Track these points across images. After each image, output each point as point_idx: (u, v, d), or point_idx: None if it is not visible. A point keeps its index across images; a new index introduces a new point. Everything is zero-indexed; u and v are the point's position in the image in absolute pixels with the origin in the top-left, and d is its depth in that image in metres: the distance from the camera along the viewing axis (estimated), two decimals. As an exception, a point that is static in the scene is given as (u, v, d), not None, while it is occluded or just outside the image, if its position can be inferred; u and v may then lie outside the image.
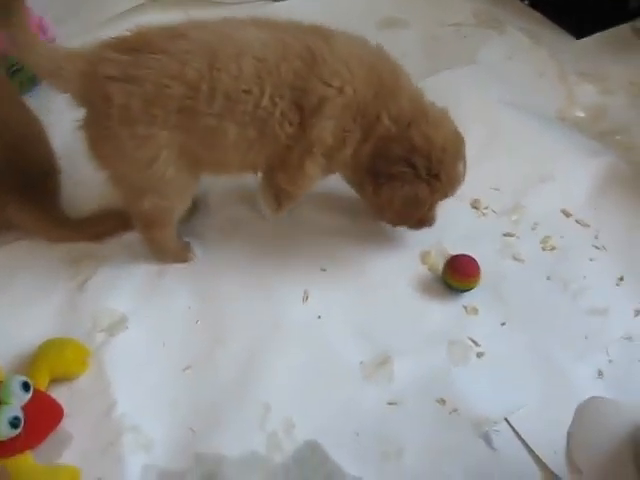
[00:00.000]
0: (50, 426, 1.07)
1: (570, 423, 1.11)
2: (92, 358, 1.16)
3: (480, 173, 1.35)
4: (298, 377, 1.15)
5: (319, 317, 1.22)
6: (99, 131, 1.07)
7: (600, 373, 1.18)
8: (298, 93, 1.08)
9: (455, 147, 1.21)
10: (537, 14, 1.91)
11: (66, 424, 1.09)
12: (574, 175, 1.47)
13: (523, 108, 1.59)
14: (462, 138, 1.23)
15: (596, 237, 1.38)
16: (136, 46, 1.03)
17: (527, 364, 1.18)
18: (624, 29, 1.89)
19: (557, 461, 1.07)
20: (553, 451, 1.08)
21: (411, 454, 1.07)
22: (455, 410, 1.12)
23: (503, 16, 1.88)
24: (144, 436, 1.08)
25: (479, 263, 1.25)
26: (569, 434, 1.09)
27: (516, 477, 1.06)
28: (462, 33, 1.81)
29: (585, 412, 1.11)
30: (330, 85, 1.09)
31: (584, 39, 1.85)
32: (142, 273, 1.27)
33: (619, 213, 1.42)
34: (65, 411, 1.09)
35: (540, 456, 1.07)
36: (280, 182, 1.20)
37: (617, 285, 1.30)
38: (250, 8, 1.83)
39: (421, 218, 1.26)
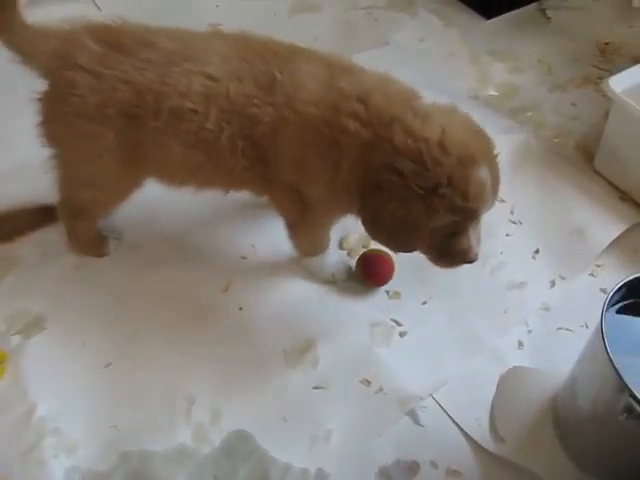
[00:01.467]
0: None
1: (493, 394, 1.13)
2: (8, 362, 1.12)
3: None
4: (222, 368, 1.14)
5: (240, 308, 1.21)
6: (55, 111, 1.06)
7: (520, 344, 1.22)
8: (247, 121, 1.03)
9: (464, 147, 0.95)
10: (447, -4, 1.93)
11: (-17, 431, 1.05)
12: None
13: (435, 89, 1.60)
14: (483, 136, 1.01)
15: (512, 212, 1.41)
16: (112, 41, 1.03)
17: (450, 340, 1.20)
18: (531, 9, 1.94)
19: (482, 432, 1.09)
20: (478, 423, 1.10)
21: (339, 435, 1.08)
22: (381, 390, 1.13)
23: (414, -1, 1.90)
24: (67, 438, 1.05)
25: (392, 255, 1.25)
26: (492, 405, 1.12)
27: (444, 451, 1.08)
28: (374, 16, 1.81)
29: (506, 382, 1.14)
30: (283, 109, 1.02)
31: (493, 20, 1.89)
32: (57, 272, 1.24)
33: (532, 187, 1.46)
34: (-17, 417, 1.05)
35: (465, 429, 1.09)
36: (285, 221, 1.18)
37: (533, 258, 1.34)
38: None
39: (456, 250, 1.00)
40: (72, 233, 1.23)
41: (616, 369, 0.87)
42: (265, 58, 1.05)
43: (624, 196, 1.49)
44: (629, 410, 0.85)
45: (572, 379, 1.04)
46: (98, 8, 1.70)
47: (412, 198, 0.93)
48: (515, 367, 1.16)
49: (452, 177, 0.93)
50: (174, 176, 1.12)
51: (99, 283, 1.23)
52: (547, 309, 1.27)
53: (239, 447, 1.06)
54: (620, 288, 0.98)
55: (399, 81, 1.05)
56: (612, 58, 1.84)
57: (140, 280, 1.24)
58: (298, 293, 1.24)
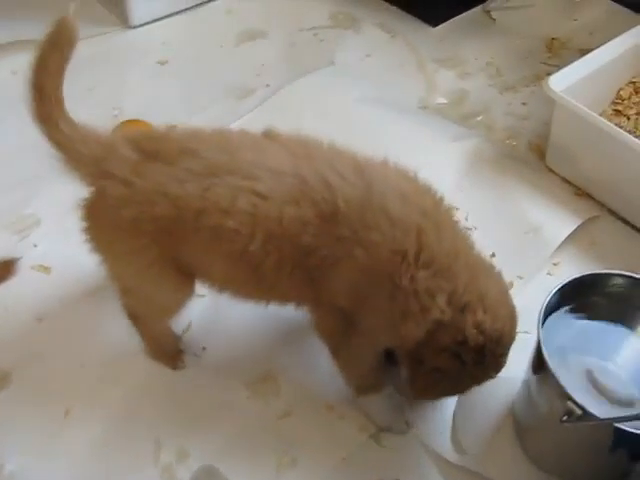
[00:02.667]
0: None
1: (454, 406, 1.15)
2: (-24, 421, 1.14)
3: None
4: (186, 407, 1.15)
5: (204, 348, 1.23)
6: (94, 220, 1.00)
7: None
8: (301, 249, 0.94)
9: (511, 336, 1.00)
10: (393, 8, 1.95)
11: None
12: (440, 162, 1.51)
13: (384, 103, 1.63)
14: (516, 319, 1.02)
15: (466, 219, 1.43)
16: (149, 148, 0.96)
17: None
18: (476, 12, 1.96)
19: (445, 445, 1.11)
20: (441, 437, 1.11)
21: (305, 461, 1.09)
22: (343, 416, 1.14)
23: (359, 14, 1.91)
24: (36, 493, 1.07)
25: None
26: (454, 416, 1.13)
27: (408, 468, 1.09)
28: (319, 37, 1.83)
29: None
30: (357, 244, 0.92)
31: (440, 26, 1.90)
32: (19, 325, 1.25)
33: (486, 191, 1.48)
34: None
35: (428, 444, 1.11)
36: (328, 345, 1.07)
37: (489, 262, 1.35)
38: (104, 39, 1.80)
39: None
40: (142, 335, 1.18)
41: (554, 375, 0.89)
42: (326, 181, 0.93)
43: (579, 191, 1.50)
44: (569, 413, 0.87)
45: (526, 384, 1.06)
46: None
47: (465, 375, 0.98)
48: (474, 376, 1.17)
49: (497, 359, 0.99)
50: (214, 284, 1.05)
51: (63, 332, 1.25)
52: (505, 313, 1.28)
53: (207, 483, 1.07)
54: (561, 289, 0.99)
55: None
56: (560, 53, 1.86)
57: (104, 328, 1.25)
58: (258, 326, 1.25)
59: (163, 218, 0.95)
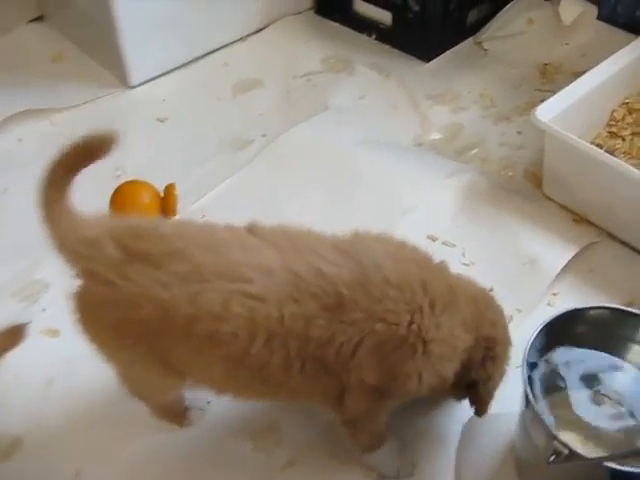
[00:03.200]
0: None
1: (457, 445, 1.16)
2: (-9, 487, 1.17)
3: (345, 217, 1.40)
4: (193, 462, 1.17)
5: (209, 402, 1.24)
6: (82, 315, 1.00)
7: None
8: (311, 343, 0.92)
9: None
10: (385, 46, 1.99)
11: None
12: (435, 199, 1.53)
13: (378, 144, 1.65)
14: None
15: (463, 255, 1.44)
16: (134, 247, 0.94)
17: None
18: (468, 44, 1.99)
19: (448, 485, 1.12)
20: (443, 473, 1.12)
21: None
22: (346, 463, 1.15)
23: (351, 56, 1.95)
24: None
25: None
26: (456, 458, 1.14)
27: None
28: (313, 82, 1.87)
29: (467, 431, 1.16)
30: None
31: (432, 62, 1.93)
32: (29, 390, 1.28)
33: (480, 226, 1.49)
34: None
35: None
36: (347, 420, 1.06)
37: (489, 297, 1.36)
38: (105, 100, 1.85)
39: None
40: (145, 404, 1.18)
41: (537, 413, 0.89)
42: (320, 272, 0.92)
43: (577, 217, 1.51)
44: (556, 454, 0.87)
45: (522, 418, 1.06)
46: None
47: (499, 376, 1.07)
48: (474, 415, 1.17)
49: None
50: (213, 387, 1.03)
51: (72, 394, 1.28)
52: (505, 347, 1.29)
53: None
54: (545, 327, 1.00)
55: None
56: (554, 78, 1.88)
57: (112, 389, 1.27)
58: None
59: (149, 321, 0.93)
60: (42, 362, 1.32)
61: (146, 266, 0.92)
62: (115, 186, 1.53)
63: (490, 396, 1.06)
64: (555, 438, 0.88)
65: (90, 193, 1.58)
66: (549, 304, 1.36)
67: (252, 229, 1.00)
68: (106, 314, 0.96)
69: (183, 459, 1.18)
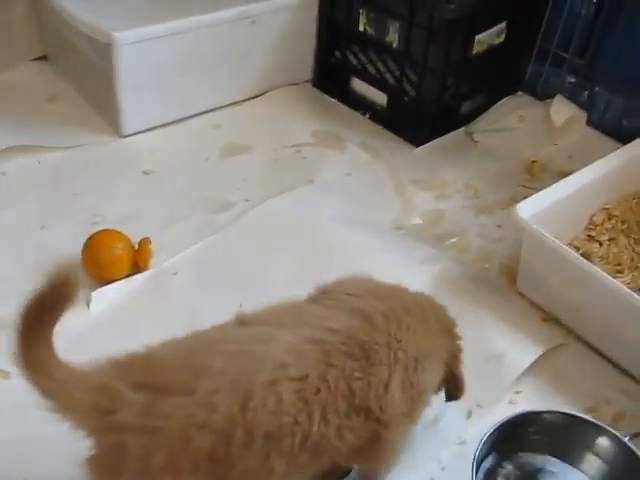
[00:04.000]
0: None
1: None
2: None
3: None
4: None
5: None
6: (111, 473, 0.89)
7: (433, 481, 1.21)
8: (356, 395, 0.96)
9: None
10: (377, 127, 2.02)
11: None
12: (406, 284, 1.51)
13: (357, 223, 1.66)
14: None
15: (430, 343, 1.43)
16: (153, 381, 0.87)
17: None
18: (459, 134, 2.02)
19: None
20: None
21: None
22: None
23: (343, 132, 1.98)
24: None
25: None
26: None
27: None
28: (302, 154, 1.89)
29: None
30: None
31: (421, 147, 1.96)
32: None
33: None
34: None
35: None
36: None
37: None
38: (96, 146, 1.86)
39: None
40: None
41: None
42: (333, 330, 0.97)
43: (547, 317, 1.51)
44: None
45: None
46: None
47: None
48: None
49: None
50: None
51: (16, 442, 1.24)
52: (463, 443, 1.27)
53: None
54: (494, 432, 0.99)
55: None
56: (539, 176, 1.91)
57: (56, 443, 1.23)
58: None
59: (205, 450, 0.86)
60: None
61: (178, 396, 0.86)
62: (91, 233, 1.51)
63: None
64: None
65: (65, 236, 1.60)
66: (511, 402, 1.35)
67: (242, 319, 1.00)
68: (154, 462, 0.86)
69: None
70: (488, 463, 0.99)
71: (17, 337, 0.87)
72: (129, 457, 0.86)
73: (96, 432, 0.88)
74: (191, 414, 0.86)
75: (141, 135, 1.90)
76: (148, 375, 0.89)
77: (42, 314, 0.88)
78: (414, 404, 1.06)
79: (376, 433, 1.01)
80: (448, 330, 1.15)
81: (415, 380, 1.03)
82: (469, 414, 1.32)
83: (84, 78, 1.96)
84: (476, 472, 0.94)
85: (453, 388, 1.19)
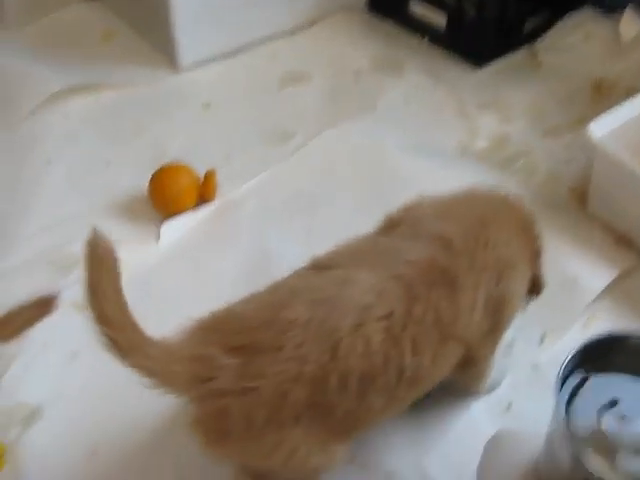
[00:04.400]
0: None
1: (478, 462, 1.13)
2: (8, 454, 1.17)
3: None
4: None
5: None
6: (216, 435, 0.93)
7: (509, 406, 1.21)
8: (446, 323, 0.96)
9: None
10: (437, 49, 1.95)
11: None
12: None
13: (422, 149, 1.63)
14: None
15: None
16: (243, 343, 0.89)
17: (433, 405, 1.20)
18: (522, 54, 1.94)
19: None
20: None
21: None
22: (365, 466, 1.13)
23: (403, 57, 1.92)
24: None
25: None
26: (477, 473, 1.11)
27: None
28: (361, 81, 1.85)
29: (490, 447, 1.13)
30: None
31: (484, 69, 1.90)
32: (54, 361, 1.29)
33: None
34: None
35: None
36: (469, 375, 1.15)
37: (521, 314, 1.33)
38: (153, 83, 1.86)
39: None
40: None
41: (568, 436, 0.86)
42: (411, 262, 0.96)
43: (620, 239, 1.47)
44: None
45: (549, 440, 1.03)
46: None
47: None
48: (499, 431, 1.15)
49: None
50: (375, 423, 1.04)
51: (95, 371, 1.28)
52: (536, 366, 1.26)
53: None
54: (580, 349, 0.97)
55: None
56: (607, 95, 1.83)
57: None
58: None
59: (301, 402, 0.88)
60: (68, 335, 1.32)
61: (268, 354, 0.88)
62: (155, 168, 1.52)
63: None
64: (585, 463, 0.85)
65: (130, 172, 1.62)
66: (585, 326, 1.33)
67: (317, 264, 1.00)
68: (255, 421, 0.89)
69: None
70: (571, 382, 0.97)
71: (100, 329, 0.88)
72: (232, 419, 0.89)
73: (198, 400, 0.91)
74: (283, 370, 0.87)
75: (198, 69, 1.88)
76: (237, 337, 0.90)
77: (104, 292, 0.87)
78: (501, 319, 1.06)
79: (466, 355, 1.03)
80: (528, 230, 1.12)
81: (501, 295, 1.02)
82: (542, 339, 1.30)
83: (138, 13, 1.95)
84: (560, 391, 0.92)
85: (535, 288, 1.17)
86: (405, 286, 0.93)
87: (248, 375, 0.87)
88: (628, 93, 1.71)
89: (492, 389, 1.22)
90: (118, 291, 0.89)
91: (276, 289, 0.97)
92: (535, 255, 1.13)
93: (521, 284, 1.10)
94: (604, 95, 1.83)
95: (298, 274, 1.00)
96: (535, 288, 1.17)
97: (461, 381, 1.18)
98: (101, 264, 0.88)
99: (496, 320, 1.06)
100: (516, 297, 1.08)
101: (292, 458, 0.93)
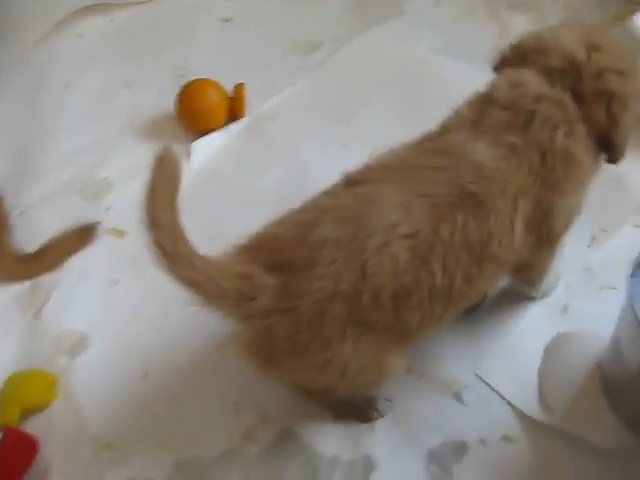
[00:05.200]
0: (26, 462, 1.06)
1: (539, 364, 1.11)
2: (59, 384, 1.16)
3: (418, 125, 1.32)
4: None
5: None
6: (266, 356, 0.93)
7: (564, 308, 1.18)
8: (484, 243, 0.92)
9: None
10: (465, -51, 1.86)
11: (45, 453, 1.09)
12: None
13: (455, 52, 1.56)
14: None
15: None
16: (282, 261, 0.89)
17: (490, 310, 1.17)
18: (554, -52, 1.85)
19: (529, 403, 1.07)
20: (524, 394, 1.08)
21: (383, 424, 1.08)
22: (422, 376, 1.12)
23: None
24: (120, 451, 1.09)
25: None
26: (539, 374, 1.09)
27: (492, 427, 1.06)
28: (387, -16, 1.76)
29: (551, 350, 1.11)
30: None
31: (514, -33, 1.80)
32: (95, 290, 1.27)
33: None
34: (41, 441, 1.09)
35: (512, 401, 1.07)
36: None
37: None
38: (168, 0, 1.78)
39: None
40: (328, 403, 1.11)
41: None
42: (440, 182, 0.91)
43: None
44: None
45: (615, 340, 1.01)
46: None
47: None
48: (560, 334, 1.13)
49: None
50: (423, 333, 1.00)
51: (138, 296, 1.26)
52: (589, 268, 1.23)
53: (286, 446, 1.07)
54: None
55: None
56: (645, -9, 1.74)
57: (178, 292, 1.24)
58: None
59: (340, 317, 0.88)
60: (107, 262, 1.30)
61: (303, 272, 0.88)
62: (179, 86, 1.46)
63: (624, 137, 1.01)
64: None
65: (153, 93, 1.56)
66: (636, 225, 1.29)
67: (349, 180, 0.96)
68: (298, 340, 0.89)
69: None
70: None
71: (151, 235, 0.86)
72: (278, 339, 0.89)
73: (244, 320, 0.91)
74: (319, 288, 0.87)
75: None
76: (273, 256, 0.90)
77: (163, 199, 0.86)
78: (550, 232, 1.00)
79: (520, 263, 1.00)
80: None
81: (546, 213, 0.96)
82: (593, 239, 1.26)
83: None
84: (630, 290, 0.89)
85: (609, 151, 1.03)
86: (432, 206, 0.90)
87: (287, 295, 0.88)
88: (664, -13, 1.63)
89: (548, 293, 1.19)
90: (174, 201, 0.87)
91: (307, 207, 0.95)
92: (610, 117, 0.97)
93: (575, 198, 1.01)
94: (639, -10, 1.75)
95: (330, 191, 0.97)
96: (610, 151, 1.03)
97: (517, 286, 1.16)
98: (164, 172, 0.86)
99: (544, 232, 0.99)
100: (565, 212, 1.00)
101: (345, 374, 0.93)
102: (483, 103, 0.98)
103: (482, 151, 0.93)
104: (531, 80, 0.96)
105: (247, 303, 0.88)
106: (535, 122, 0.93)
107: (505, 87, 0.97)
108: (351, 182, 0.96)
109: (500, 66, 1.06)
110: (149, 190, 0.85)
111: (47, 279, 1.29)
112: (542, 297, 1.19)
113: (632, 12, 1.48)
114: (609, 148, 1.00)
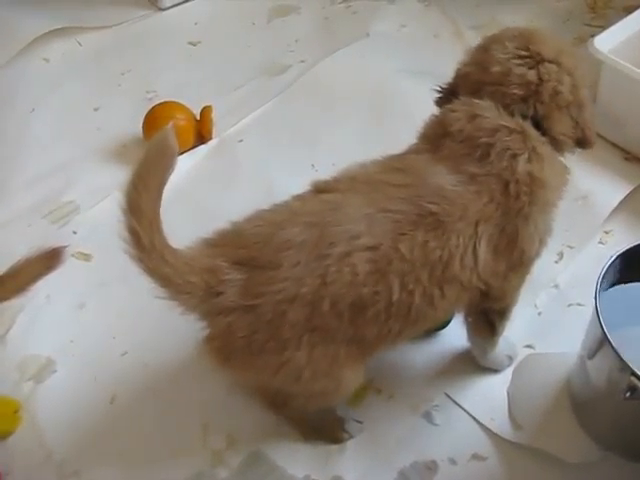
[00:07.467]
0: (-13, 493, 1.04)
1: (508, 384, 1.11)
2: (23, 410, 1.13)
3: (381, 146, 1.33)
4: (233, 392, 1.13)
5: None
6: (224, 354, 0.93)
7: (533, 326, 1.19)
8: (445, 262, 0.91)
9: None
10: (428, -27, 1.89)
11: (7, 483, 1.07)
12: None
13: (419, 73, 1.58)
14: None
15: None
16: (245, 257, 0.89)
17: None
18: (515, -28, 1.88)
19: (499, 422, 1.08)
20: (493, 414, 1.08)
21: (354, 445, 1.08)
22: (392, 396, 1.12)
23: (393, -19, 1.86)
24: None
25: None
26: (508, 394, 1.10)
27: (462, 446, 1.06)
28: (353, 9, 1.79)
29: (520, 369, 1.12)
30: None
31: (479, -9, 1.84)
32: (61, 313, 1.25)
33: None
34: (3, 471, 1.06)
35: (481, 421, 1.08)
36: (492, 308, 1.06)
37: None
38: (136, 23, 1.78)
39: None
40: (296, 421, 1.10)
41: (614, 348, 0.84)
42: (404, 200, 0.91)
43: (629, 155, 1.44)
44: (632, 389, 0.83)
45: (582, 357, 1.02)
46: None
47: None
48: (529, 355, 1.14)
49: None
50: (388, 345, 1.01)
51: (105, 319, 1.24)
52: (556, 286, 1.24)
53: (256, 469, 1.06)
54: (617, 258, 0.95)
55: None
56: (603, 13, 1.79)
57: (147, 313, 1.23)
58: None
59: (299, 321, 0.88)
60: (73, 286, 1.28)
61: (266, 271, 0.88)
62: (147, 109, 1.46)
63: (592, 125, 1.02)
64: (633, 373, 0.83)
65: (121, 116, 1.55)
66: (601, 242, 1.31)
67: (318, 187, 0.97)
68: (256, 340, 0.89)
69: (223, 388, 1.14)
70: (606, 291, 0.95)
71: (127, 218, 0.84)
72: (237, 337, 0.89)
73: (209, 315, 0.91)
74: (281, 289, 0.87)
75: (181, 6, 1.81)
76: (240, 251, 0.90)
77: (149, 185, 0.84)
78: (521, 258, 0.98)
79: (483, 292, 0.98)
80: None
81: (512, 239, 0.94)
82: (560, 256, 1.28)
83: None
84: (597, 304, 0.90)
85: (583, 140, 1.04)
86: (393, 222, 0.89)
87: (250, 293, 0.88)
88: (625, 10, 1.67)
89: (499, 365, 1.14)
90: (160, 190, 0.86)
91: (276, 209, 0.96)
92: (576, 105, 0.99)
93: (542, 221, 0.99)
94: (599, 13, 1.79)
95: (299, 196, 0.97)
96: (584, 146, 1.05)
97: (473, 347, 1.13)
98: (158, 157, 0.85)
99: (516, 257, 0.97)
100: (534, 236, 0.98)
101: (299, 379, 0.93)
102: (439, 136, 0.97)
103: (442, 175, 0.92)
104: (487, 112, 0.94)
105: (213, 299, 0.88)
106: (492, 154, 0.92)
107: (462, 120, 0.95)
108: (320, 189, 0.96)
109: (445, 100, 1.04)
110: (138, 172, 0.83)
111: (12, 303, 1.25)
112: (492, 365, 1.13)
113: (591, 34, 1.51)
114: (584, 145, 1.04)
